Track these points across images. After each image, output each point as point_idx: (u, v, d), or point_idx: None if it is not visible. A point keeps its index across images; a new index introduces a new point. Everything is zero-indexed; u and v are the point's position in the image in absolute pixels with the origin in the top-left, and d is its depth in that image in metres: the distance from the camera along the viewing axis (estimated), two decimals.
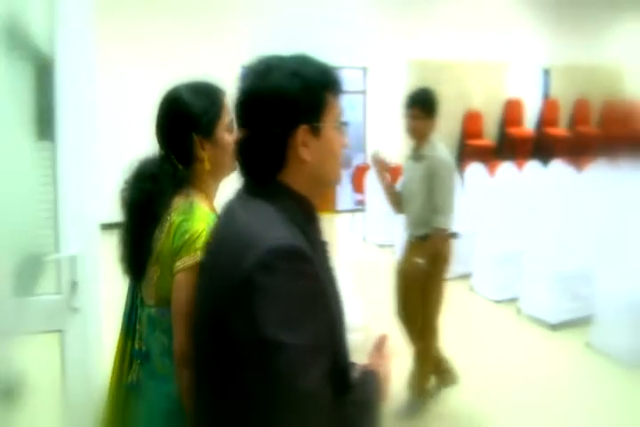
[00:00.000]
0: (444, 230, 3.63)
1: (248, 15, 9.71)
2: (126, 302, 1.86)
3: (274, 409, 1.06)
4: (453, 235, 3.83)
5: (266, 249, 1.08)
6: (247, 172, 1.27)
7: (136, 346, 1.77)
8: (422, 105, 3.65)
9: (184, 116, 1.69)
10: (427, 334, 3.77)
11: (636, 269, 4.51)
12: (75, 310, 1.95)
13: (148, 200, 1.67)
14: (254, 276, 1.06)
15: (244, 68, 1.25)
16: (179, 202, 1.67)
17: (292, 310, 1.07)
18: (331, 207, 10.63)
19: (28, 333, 1.89)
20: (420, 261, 3.61)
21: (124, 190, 1.73)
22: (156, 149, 1.76)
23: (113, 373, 1.84)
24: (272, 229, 1.14)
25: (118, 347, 1.84)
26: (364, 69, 11.17)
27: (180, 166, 1.70)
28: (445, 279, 3.79)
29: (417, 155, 3.73)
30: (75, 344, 1.98)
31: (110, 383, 1.83)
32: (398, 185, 3.96)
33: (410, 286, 3.77)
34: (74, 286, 1.93)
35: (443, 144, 3.76)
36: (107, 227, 2.29)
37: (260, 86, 1.21)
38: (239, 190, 1.30)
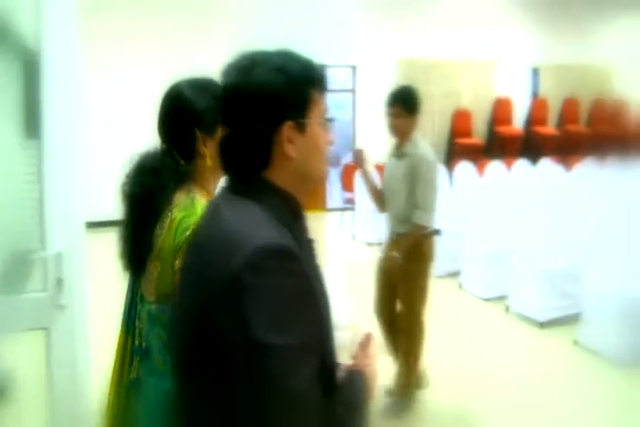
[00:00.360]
0: (424, 227, 3.63)
1: (239, 15, 9.70)
2: (126, 298, 1.85)
3: (264, 410, 1.05)
4: (435, 232, 3.83)
5: (253, 249, 1.07)
6: (231, 170, 1.26)
7: (136, 343, 1.76)
8: (404, 103, 3.64)
9: (188, 113, 1.69)
10: (413, 332, 3.76)
11: (624, 267, 4.53)
12: (60, 307, 1.94)
13: (149, 194, 1.66)
14: (243, 276, 1.05)
15: (226, 63, 1.24)
16: (180, 198, 1.67)
17: (281, 310, 1.06)
18: (320, 205, 10.64)
19: (14, 330, 1.89)
20: (395, 255, 3.61)
21: (124, 184, 1.72)
22: (158, 143, 1.75)
23: (114, 370, 1.83)
24: (259, 228, 1.13)
25: (119, 344, 1.83)
26: (353, 68, 11.18)
27: (182, 162, 1.70)
28: (429, 277, 3.78)
29: (399, 153, 3.74)
30: (60, 342, 1.97)
31: (111, 380, 1.82)
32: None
33: (389, 282, 3.77)
34: (59, 283, 1.92)
35: (425, 142, 3.76)
36: (99, 225, 2.29)
37: (243, 82, 1.19)
38: (224, 189, 1.29)
